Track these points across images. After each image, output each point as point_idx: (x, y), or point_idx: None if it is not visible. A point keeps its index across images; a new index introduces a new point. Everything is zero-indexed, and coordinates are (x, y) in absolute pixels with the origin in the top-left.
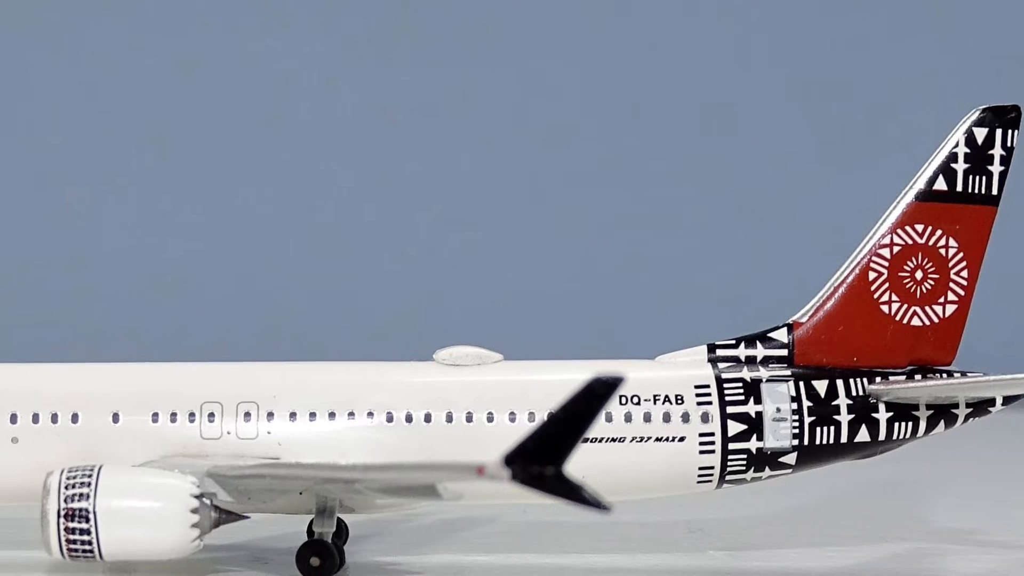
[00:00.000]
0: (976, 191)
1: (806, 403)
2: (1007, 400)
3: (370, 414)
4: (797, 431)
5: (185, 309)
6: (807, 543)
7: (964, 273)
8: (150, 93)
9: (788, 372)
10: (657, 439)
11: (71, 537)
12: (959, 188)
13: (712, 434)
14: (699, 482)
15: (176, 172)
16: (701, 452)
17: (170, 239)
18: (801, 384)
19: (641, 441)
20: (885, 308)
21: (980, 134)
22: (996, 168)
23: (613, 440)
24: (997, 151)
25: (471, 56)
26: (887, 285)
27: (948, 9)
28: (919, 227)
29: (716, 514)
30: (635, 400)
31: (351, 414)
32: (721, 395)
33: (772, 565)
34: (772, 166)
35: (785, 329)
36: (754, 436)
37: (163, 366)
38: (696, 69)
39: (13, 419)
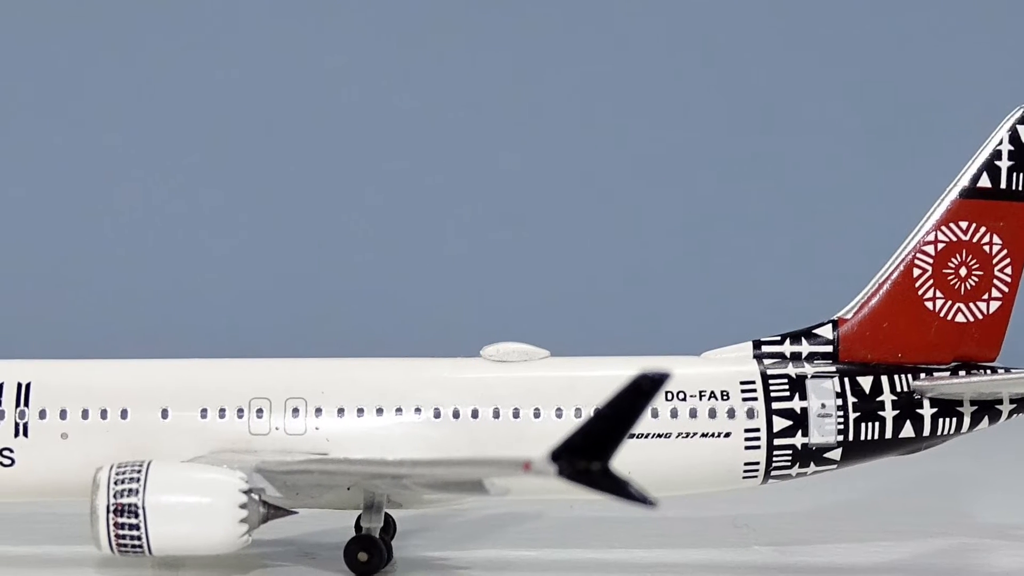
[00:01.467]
0: (1020, 188)
1: (851, 399)
2: None
3: (418, 410)
4: (842, 427)
5: (234, 306)
6: (852, 538)
7: (1008, 270)
8: (200, 92)
9: (833, 368)
10: (703, 435)
11: (120, 532)
12: (1003, 185)
13: (757, 430)
14: (744, 477)
15: (225, 170)
16: (746, 448)
17: (220, 236)
18: (846, 380)
19: (687, 437)
20: (929, 305)
21: None
22: None
23: (659, 436)
24: None
25: (521, 54)
26: (931, 282)
27: (994, 8)
28: (963, 224)
29: (761, 509)
30: (681, 396)
31: (399, 410)
32: (766, 391)
33: (817, 560)
34: (818, 164)
35: (830, 325)
36: (799, 432)
37: (212, 362)
38: (745, 68)
39: (63, 415)
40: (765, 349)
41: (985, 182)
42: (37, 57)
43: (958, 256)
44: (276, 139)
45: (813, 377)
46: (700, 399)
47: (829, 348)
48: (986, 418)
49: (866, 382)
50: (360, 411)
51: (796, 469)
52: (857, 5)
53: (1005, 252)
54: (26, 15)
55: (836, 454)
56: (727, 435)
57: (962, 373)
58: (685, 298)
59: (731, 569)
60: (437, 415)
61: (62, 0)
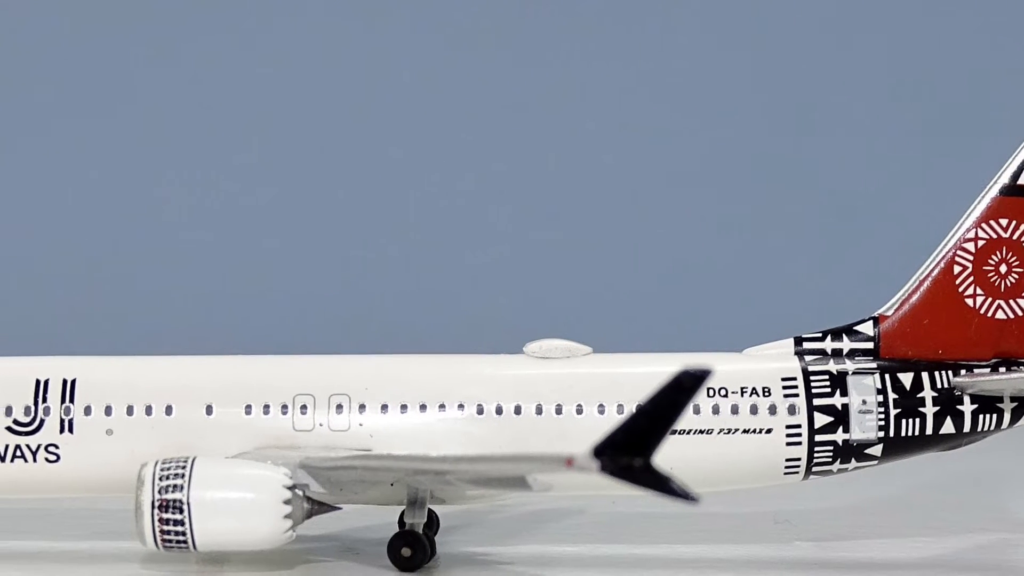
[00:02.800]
0: None
1: (892, 395)
2: None
3: (461, 406)
4: (883, 423)
5: (278, 303)
6: (893, 534)
7: None
8: (243, 91)
9: (874, 365)
10: (744, 431)
11: (165, 528)
12: None
13: (799, 426)
14: (786, 473)
15: (268, 168)
16: (788, 444)
17: (264, 234)
18: (887, 376)
19: (728, 433)
20: (970, 301)
21: None
22: None
23: (701, 432)
24: None
25: (562, 54)
26: (972, 279)
27: None
28: (1003, 221)
29: (802, 505)
30: (723, 392)
31: (442, 406)
32: (808, 387)
33: (858, 556)
34: (859, 161)
35: (871, 322)
36: (840, 428)
37: (256, 359)
38: (783, 67)
39: (108, 411)
40: (806, 346)
41: None
42: (80, 56)
43: (998, 253)
44: (319, 138)
45: (854, 373)
46: (742, 395)
47: (870, 345)
48: None
49: (907, 378)
50: (404, 407)
51: (837, 465)
52: (895, 3)
53: None
54: (70, 14)
55: (877, 450)
56: (768, 431)
57: (1002, 369)
58: (727, 295)
59: (772, 565)
60: (480, 411)
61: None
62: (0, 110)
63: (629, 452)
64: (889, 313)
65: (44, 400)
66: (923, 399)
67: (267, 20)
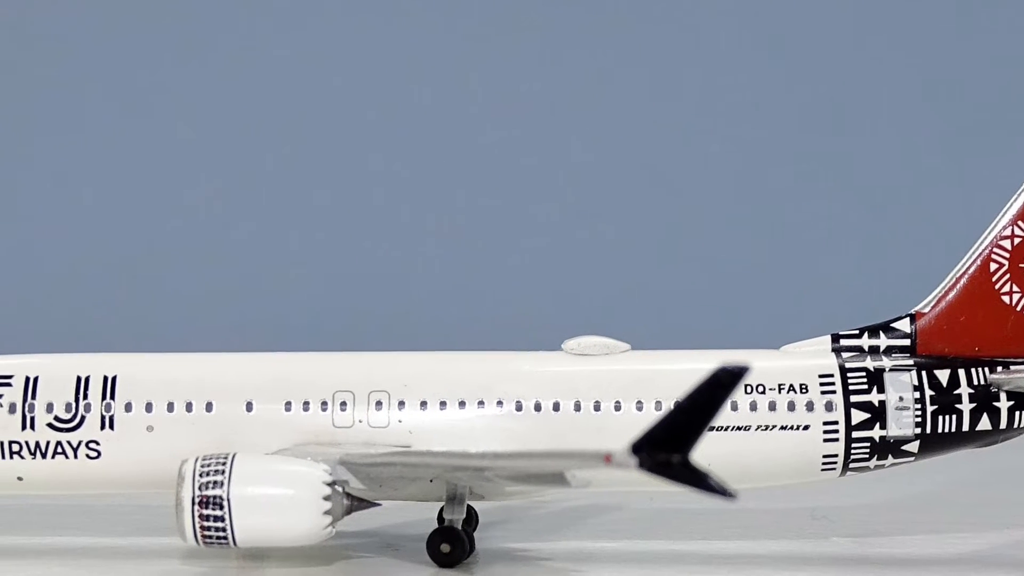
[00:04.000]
0: None
1: (928, 392)
2: None
3: (499, 403)
4: (919, 420)
5: (318, 300)
6: (930, 530)
7: None
8: (278, 87)
9: (911, 361)
10: (782, 427)
11: (205, 524)
12: None
13: (836, 423)
14: (823, 470)
15: (304, 165)
16: (825, 440)
17: (302, 231)
18: (923, 373)
19: (766, 429)
20: (1006, 299)
21: None
22: None
23: (739, 428)
24: None
25: (597, 53)
26: (1008, 276)
27: None
28: None
29: (840, 501)
30: (760, 389)
31: (481, 403)
32: (845, 384)
33: (895, 552)
34: (896, 159)
35: (908, 319)
36: (877, 425)
37: (295, 356)
38: (820, 65)
39: (149, 408)
40: (843, 343)
41: None
42: (111, 56)
43: None
44: (354, 135)
45: (891, 370)
46: (779, 392)
47: (907, 342)
48: None
49: (943, 375)
50: (443, 404)
51: (874, 461)
52: (929, 2)
53: None
54: (100, 14)
55: (914, 447)
56: (806, 428)
57: None
58: (764, 292)
59: (810, 561)
60: (519, 408)
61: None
62: (35, 111)
63: (667, 448)
64: (926, 310)
65: (85, 397)
66: (959, 396)
67: (298, 19)
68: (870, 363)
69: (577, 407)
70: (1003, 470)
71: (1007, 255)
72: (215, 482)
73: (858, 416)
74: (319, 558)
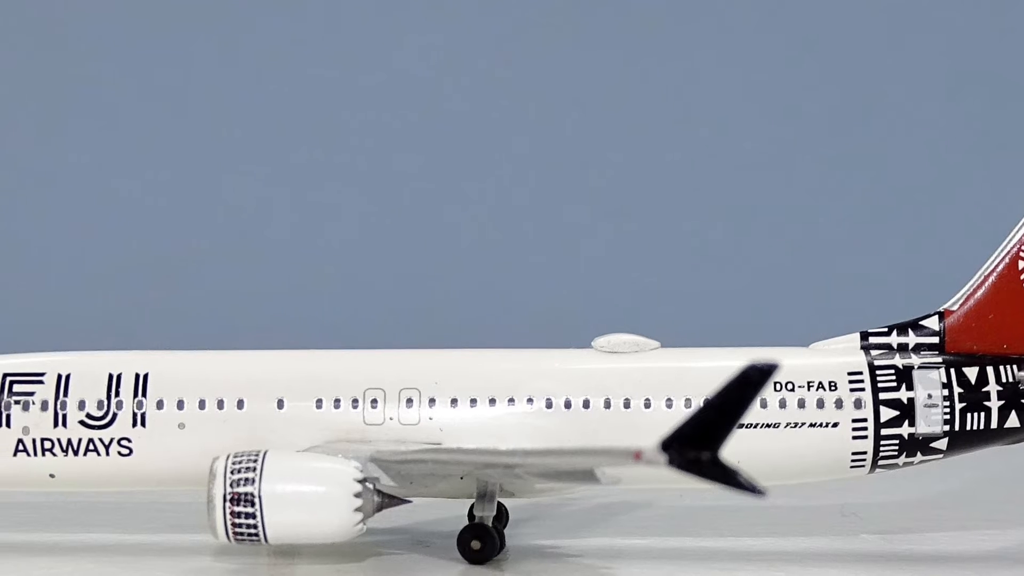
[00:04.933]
0: None
1: (957, 389)
2: None
3: (530, 400)
4: (948, 417)
5: (348, 298)
6: (959, 527)
7: None
8: (311, 87)
9: (939, 359)
10: (811, 425)
11: (237, 521)
12: None
13: (865, 420)
14: (852, 467)
15: (337, 163)
16: (854, 437)
17: (333, 229)
18: (952, 371)
19: (795, 427)
20: None
21: None
22: None
23: (768, 426)
24: None
25: (627, 50)
26: None
27: None
28: None
29: (868, 498)
30: (789, 386)
31: (511, 400)
32: (874, 382)
33: (924, 549)
34: (925, 157)
35: (936, 317)
36: (906, 422)
37: (326, 353)
38: (850, 63)
39: (180, 406)
40: (872, 340)
41: None
42: (146, 55)
43: None
44: (386, 134)
45: (920, 368)
46: (808, 390)
47: (935, 339)
48: None
49: (972, 373)
50: (473, 401)
51: (903, 459)
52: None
53: None
54: (137, 12)
55: (942, 444)
56: (835, 425)
57: None
58: (793, 290)
59: (839, 557)
60: (549, 405)
61: None
62: (71, 110)
63: (697, 446)
64: (954, 308)
65: (117, 394)
66: (988, 393)
67: (333, 20)
68: (899, 360)
69: (607, 404)
70: None
71: None
72: (246, 479)
73: (887, 413)
74: (350, 555)
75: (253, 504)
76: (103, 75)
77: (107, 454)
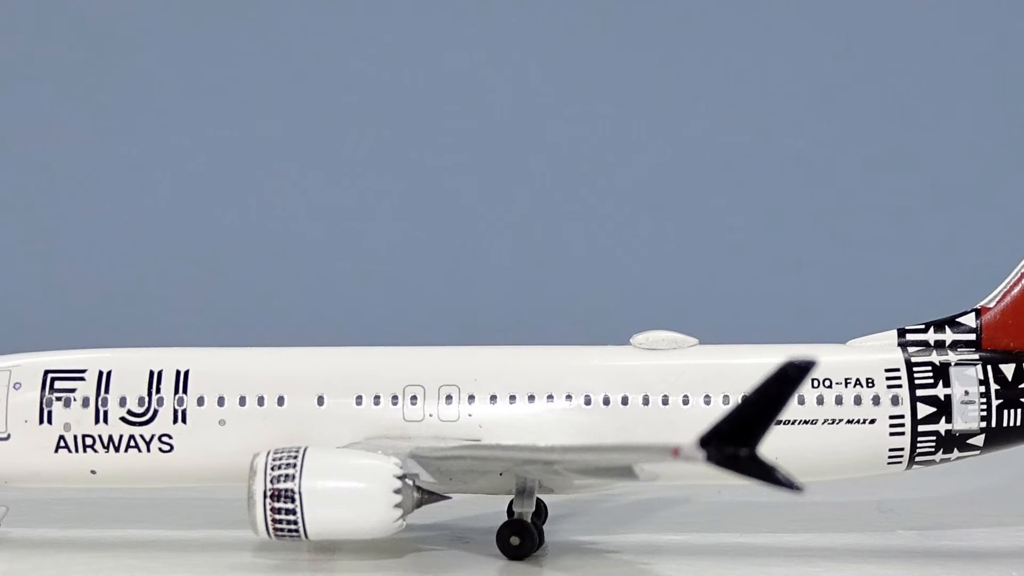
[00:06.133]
0: None
1: (993, 386)
2: None
3: (568, 397)
4: (985, 413)
5: (388, 295)
6: (996, 523)
7: None
8: (352, 85)
9: (976, 356)
10: (848, 421)
11: (277, 517)
12: None
13: (902, 416)
14: (889, 463)
15: (378, 161)
16: (891, 434)
17: (374, 227)
18: (989, 368)
19: (833, 423)
20: None
21: None
22: None
23: (805, 422)
24: None
25: (667, 48)
26: None
27: None
28: None
29: (905, 494)
30: (827, 383)
31: (550, 397)
32: (911, 378)
33: (961, 544)
34: (963, 155)
35: (973, 314)
36: (943, 418)
37: (366, 350)
38: (889, 63)
39: (220, 402)
40: (909, 337)
41: None
42: (190, 52)
43: None
44: (427, 131)
45: (956, 365)
46: (846, 386)
47: (972, 336)
48: None
49: (1008, 369)
50: (512, 398)
51: (940, 455)
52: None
53: None
54: (180, 9)
55: (979, 440)
56: (872, 422)
57: None
58: (831, 287)
59: (876, 553)
60: (588, 402)
61: None
62: (114, 108)
63: (735, 442)
64: (991, 305)
65: (158, 391)
66: None
67: (374, 17)
68: (936, 357)
69: (645, 401)
70: None
71: None
72: (287, 475)
73: (924, 410)
74: (390, 551)
75: (293, 500)
76: (145, 74)
77: (148, 450)
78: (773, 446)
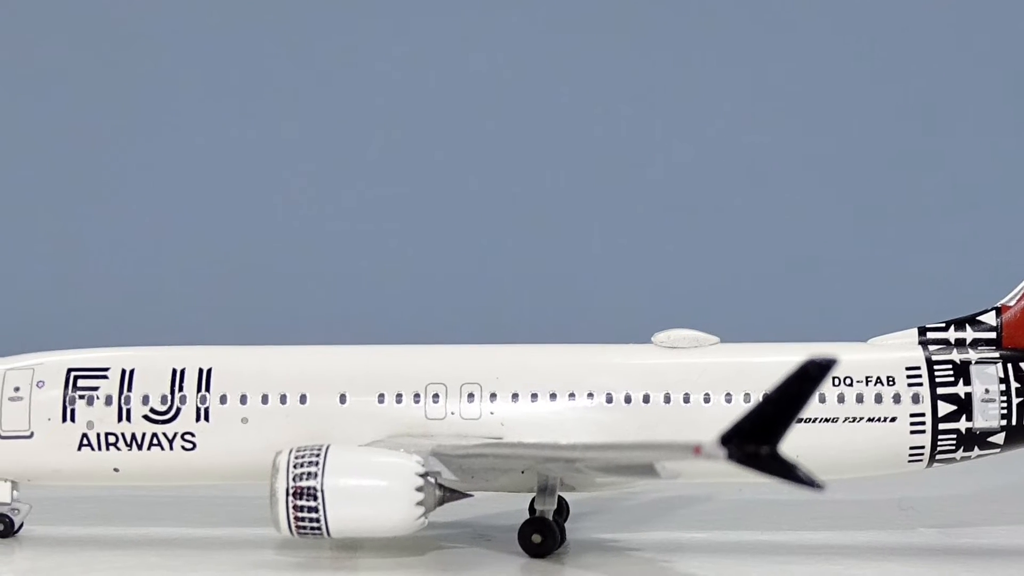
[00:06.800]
0: None
1: (1014, 384)
2: None
3: (590, 395)
4: (1005, 412)
5: (409, 293)
6: (1016, 520)
7: None
8: (375, 85)
9: (996, 354)
10: (869, 419)
11: (299, 515)
12: None
13: (923, 415)
14: (910, 461)
15: (400, 160)
16: (912, 432)
17: (395, 225)
18: (1009, 366)
19: (853, 421)
20: None
21: None
22: None
23: (826, 420)
24: None
25: (691, 48)
26: None
27: None
28: None
29: (926, 492)
30: (848, 381)
31: (572, 395)
32: (931, 377)
33: (981, 542)
34: (984, 155)
35: (993, 312)
36: (963, 416)
37: (388, 348)
38: (911, 62)
39: (243, 400)
40: (930, 336)
41: None
42: (213, 52)
43: None
44: (449, 131)
45: (977, 363)
46: (866, 384)
47: (992, 335)
48: None
49: None
50: (534, 396)
51: (960, 453)
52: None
53: None
54: (203, 10)
55: (999, 438)
56: (893, 420)
57: None
58: (851, 286)
59: (896, 551)
60: (609, 400)
61: None
62: (138, 107)
63: (756, 440)
64: (1011, 303)
65: (181, 389)
66: None
67: (399, 17)
68: (956, 356)
69: (667, 399)
70: None
71: None
72: (309, 473)
73: (944, 408)
74: (412, 549)
75: (316, 498)
76: (169, 74)
77: (171, 448)
78: (794, 444)
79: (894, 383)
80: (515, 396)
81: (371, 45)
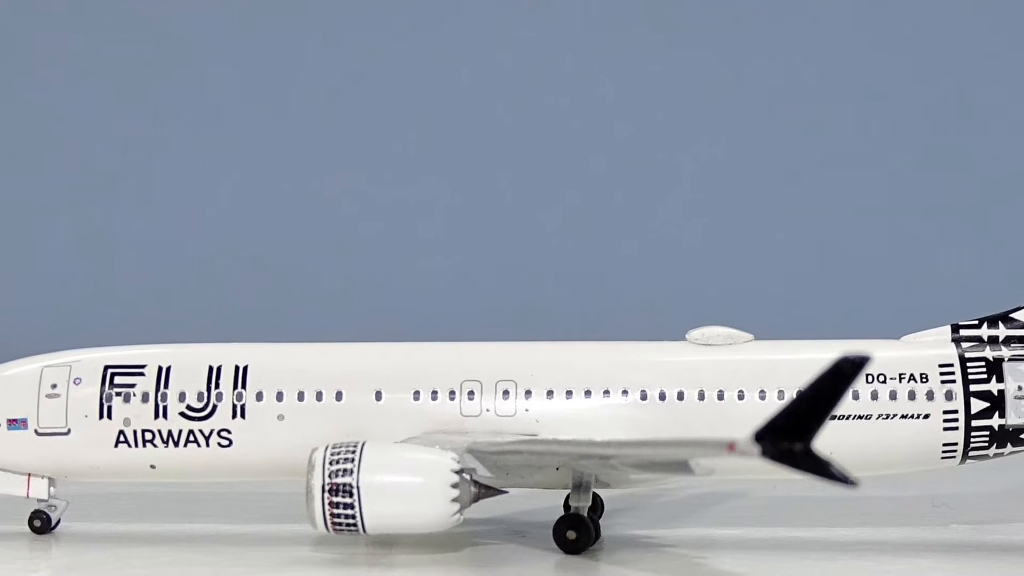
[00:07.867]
0: None
1: None
2: None
3: (625, 392)
4: None
5: (444, 291)
6: None
7: None
8: (408, 84)
9: None
10: (902, 416)
11: (335, 512)
12: None
13: (956, 412)
14: (943, 458)
15: (432, 158)
16: (945, 429)
17: (430, 223)
18: None
19: (887, 418)
20: None
21: None
22: None
23: (860, 417)
24: None
25: (720, 46)
26: None
27: None
28: None
29: (959, 489)
30: (881, 379)
31: (606, 392)
32: (964, 374)
33: (1014, 539)
34: (1017, 151)
35: None
36: (996, 413)
37: (424, 346)
38: (941, 56)
39: (279, 397)
40: (963, 333)
41: None
42: (245, 52)
43: None
44: (483, 129)
45: (1010, 360)
46: (900, 382)
47: None
48: None
49: None
50: (569, 393)
51: (993, 450)
52: None
53: None
54: (236, 9)
55: None
56: (926, 417)
57: None
58: (885, 283)
59: (929, 547)
60: (644, 397)
61: None
62: (172, 107)
63: (790, 437)
64: None
65: (217, 386)
66: None
67: (430, 18)
68: (989, 353)
69: (701, 396)
70: None
71: None
72: (345, 470)
73: (977, 405)
74: (447, 545)
75: (351, 495)
76: (204, 72)
77: (207, 445)
78: (828, 441)
79: (927, 380)
80: (550, 393)
81: (405, 45)
